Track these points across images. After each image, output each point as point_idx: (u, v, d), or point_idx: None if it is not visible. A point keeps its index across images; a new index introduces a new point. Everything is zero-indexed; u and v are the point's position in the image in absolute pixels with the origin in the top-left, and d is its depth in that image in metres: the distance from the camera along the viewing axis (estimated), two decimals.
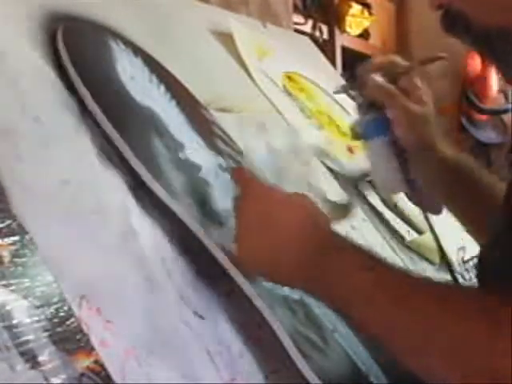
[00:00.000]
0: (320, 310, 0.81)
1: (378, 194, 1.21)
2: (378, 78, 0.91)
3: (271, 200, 0.70)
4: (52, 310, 0.55)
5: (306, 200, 0.72)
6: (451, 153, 0.95)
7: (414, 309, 0.60)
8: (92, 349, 0.55)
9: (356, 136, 0.97)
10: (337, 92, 1.01)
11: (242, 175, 0.75)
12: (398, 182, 0.94)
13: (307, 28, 2.18)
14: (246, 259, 0.69)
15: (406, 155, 0.94)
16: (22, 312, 0.53)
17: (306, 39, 1.69)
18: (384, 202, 1.24)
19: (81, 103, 0.74)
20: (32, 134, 0.65)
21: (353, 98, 0.94)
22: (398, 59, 0.94)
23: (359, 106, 0.94)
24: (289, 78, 1.29)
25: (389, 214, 1.23)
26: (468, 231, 1.03)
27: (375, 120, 0.92)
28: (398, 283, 0.62)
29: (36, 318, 0.53)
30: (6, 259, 0.54)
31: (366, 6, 2.50)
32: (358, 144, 1.27)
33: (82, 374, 0.53)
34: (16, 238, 0.56)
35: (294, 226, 0.68)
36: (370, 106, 0.92)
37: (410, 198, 0.97)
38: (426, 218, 0.90)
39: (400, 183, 0.94)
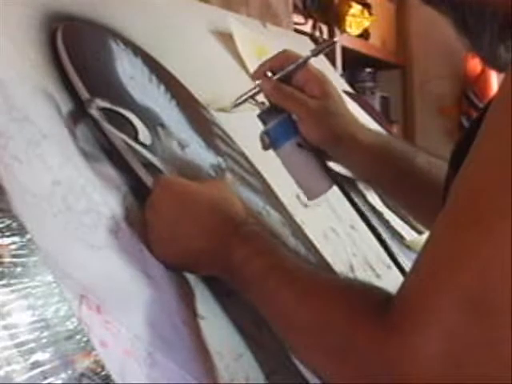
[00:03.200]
0: None
1: (377, 193, 1.21)
2: (270, 80, 0.84)
3: (180, 194, 0.72)
4: (52, 309, 0.55)
5: (216, 188, 0.74)
6: (375, 139, 0.88)
7: (295, 295, 0.60)
8: (92, 349, 0.55)
9: (267, 146, 0.85)
10: (236, 105, 0.88)
11: (160, 180, 0.74)
12: (323, 180, 0.86)
13: (307, 28, 2.17)
14: (159, 251, 0.70)
15: (323, 153, 0.86)
16: (21, 312, 0.53)
17: (306, 39, 1.69)
18: (384, 201, 1.24)
19: (78, 102, 0.74)
20: (22, 134, 0.65)
21: (260, 105, 0.86)
22: (290, 53, 0.88)
23: (262, 113, 0.85)
24: None
25: (389, 214, 1.23)
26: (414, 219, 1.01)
27: (281, 124, 0.84)
28: (288, 269, 0.63)
29: (36, 318, 0.53)
30: (6, 259, 0.54)
31: (366, 5, 2.50)
32: None
33: (82, 374, 0.53)
34: (16, 238, 0.56)
35: (199, 216, 0.70)
36: (273, 110, 0.83)
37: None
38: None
39: (326, 180, 0.86)
